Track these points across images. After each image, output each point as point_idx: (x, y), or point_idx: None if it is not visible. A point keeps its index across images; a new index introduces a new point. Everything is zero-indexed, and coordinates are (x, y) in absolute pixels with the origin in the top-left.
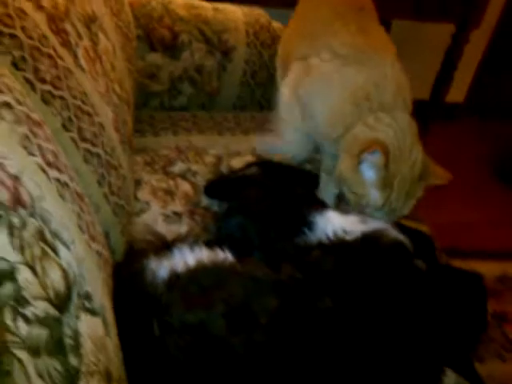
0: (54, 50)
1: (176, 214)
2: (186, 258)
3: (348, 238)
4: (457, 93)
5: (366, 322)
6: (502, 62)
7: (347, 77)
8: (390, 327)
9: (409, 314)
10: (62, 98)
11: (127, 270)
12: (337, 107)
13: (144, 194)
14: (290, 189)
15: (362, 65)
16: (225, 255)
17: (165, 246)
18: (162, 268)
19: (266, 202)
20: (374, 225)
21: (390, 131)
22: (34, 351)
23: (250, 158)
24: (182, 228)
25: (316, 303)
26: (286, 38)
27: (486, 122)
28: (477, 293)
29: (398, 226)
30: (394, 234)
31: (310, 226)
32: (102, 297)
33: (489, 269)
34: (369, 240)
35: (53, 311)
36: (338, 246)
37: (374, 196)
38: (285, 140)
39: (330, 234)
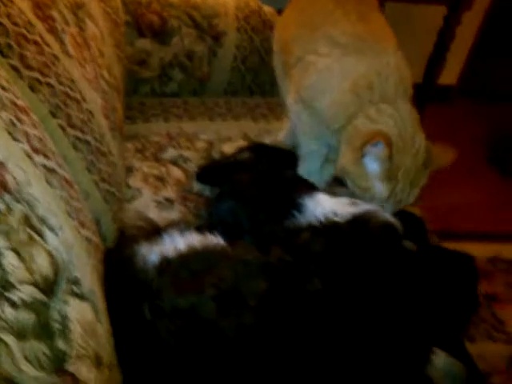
0: (41, 37)
1: (168, 200)
2: (177, 243)
3: (338, 220)
4: (450, 75)
5: (355, 303)
6: (494, 45)
7: (347, 66)
8: (379, 308)
9: (398, 294)
10: (49, 84)
11: (118, 256)
12: (337, 97)
13: (135, 181)
14: (281, 172)
15: (363, 54)
16: (215, 239)
17: (156, 232)
18: (152, 253)
19: (256, 186)
20: (364, 207)
21: (391, 122)
22: (21, 335)
23: (241, 143)
24: (174, 214)
25: (305, 285)
26: (284, 27)
27: (479, 103)
28: (468, 274)
29: None
30: (384, 215)
31: (299, 208)
32: (91, 282)
33: (481, 250)
34: (358, 222)
35: (40, 296)
36: (328, 228)
37: (379, 188)
38: (303, 150)
39: (320, 217)
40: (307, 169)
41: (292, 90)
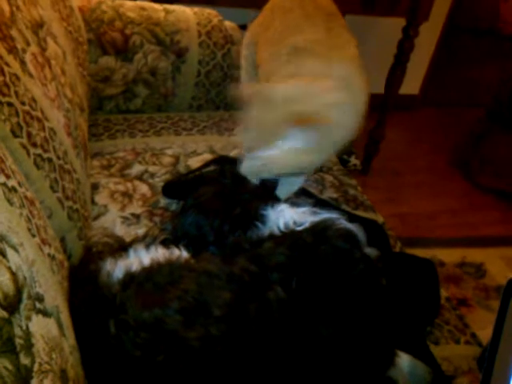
0: (0, 57)
1: (134, 215)
2: (141, 257)
3: (298, 228)
4: (413, 85)
5: (319, 310)
6: (454, 55)
7: (304, 67)
8: (342, 313)
9: (361, 299)
10: (9, 104)
11: (83, 272)
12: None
13: (102, 198)
14: (244, 184)
15: (323, 56)
16: (179, 252)
17: (122, 248)
18: (117, 268)
19: (220, 199)
20: (324, 216)
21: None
22: None
23: (207, 157)
24: (141, 229)
25: (269, 294)
26: (259, 43)
27: (441, 112)
28: (429, 278)
29: (351, 216)
30: (344, 223)
31: (262, 219)
32: (55, 298)
33: (449, 255)
34: (318, 230)
35: (1, 312)
36: (288, 237)
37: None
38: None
39: (281, 226)
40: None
41: None
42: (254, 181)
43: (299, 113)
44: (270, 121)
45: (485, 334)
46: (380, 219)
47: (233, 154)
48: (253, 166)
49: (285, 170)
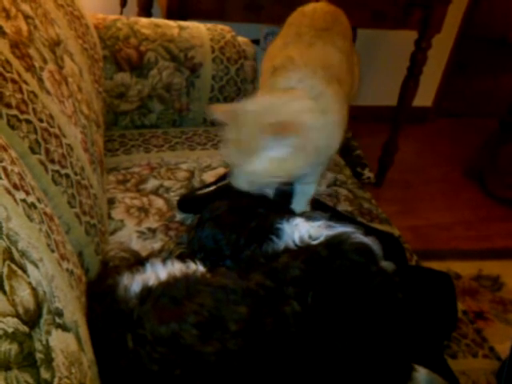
0: (19, 75)
1: (150, 230)
2: (158, 271)
3: (313, 242)
4: (426, 97)
5: (335, 324)
6: (467, 66)
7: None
8: (359, 328)
9: (376, 313)
10: (28, 121)
11: (100, 287)
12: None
13: (118, 213)
14: (259, 198)
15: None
16: (196, 267)
17: (138, 262)
18: (134, 283)
19: (235, 212)
20: (339, 229)
21: None
22: (4, 365)
23: (221, 171)
24: (157, 244)
25: (285, 309)
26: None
27: (455, 123)
28: (446, 291)
29: (368, 228)
30: (359, 237)
31: (277, 233)
32: (74, 313)
33: (465, 268)
34: (333, 244)
35: (22, 327)
36: (304, 251)
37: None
38: None
39: (297, 240)
40: None
41: None
42: (270, 193)
43: (272, 123)
44: (245, 136)
45: (503, 348)
46: (396, 232)
47: None
48: (242, 181)
49: (274, 179)
